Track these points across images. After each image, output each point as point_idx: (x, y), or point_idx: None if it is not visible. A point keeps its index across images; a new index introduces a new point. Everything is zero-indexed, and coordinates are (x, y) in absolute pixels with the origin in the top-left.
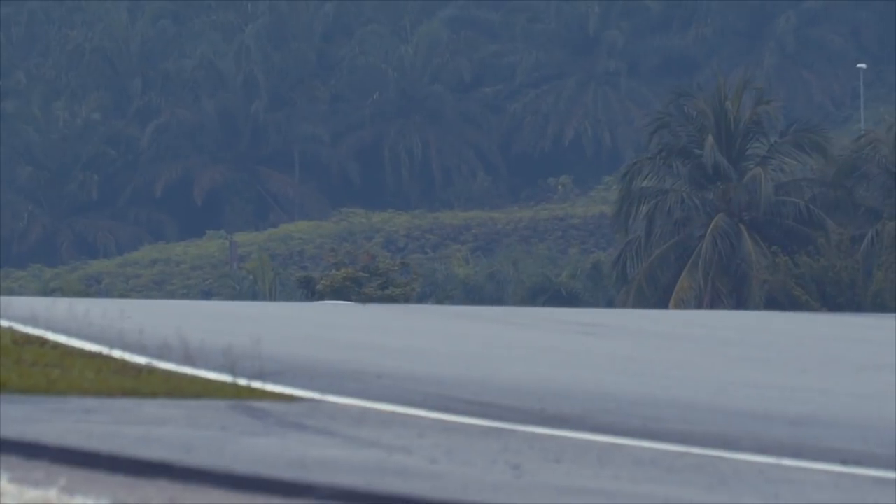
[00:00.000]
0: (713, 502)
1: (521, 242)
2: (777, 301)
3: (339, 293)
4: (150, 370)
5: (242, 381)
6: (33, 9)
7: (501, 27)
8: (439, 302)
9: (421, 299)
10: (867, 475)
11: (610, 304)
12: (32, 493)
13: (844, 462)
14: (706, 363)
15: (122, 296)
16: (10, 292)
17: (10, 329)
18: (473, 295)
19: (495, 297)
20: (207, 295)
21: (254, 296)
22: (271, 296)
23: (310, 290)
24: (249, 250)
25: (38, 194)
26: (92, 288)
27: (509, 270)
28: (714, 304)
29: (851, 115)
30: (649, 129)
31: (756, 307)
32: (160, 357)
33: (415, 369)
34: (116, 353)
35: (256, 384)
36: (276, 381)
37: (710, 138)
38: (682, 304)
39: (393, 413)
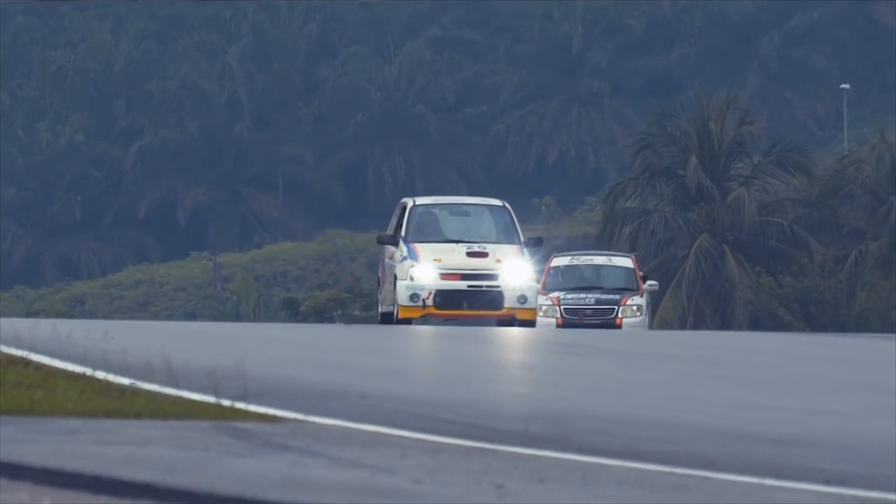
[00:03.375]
0: None
1: None
2: (761, 321)
3: (322, 314)
4: (134, 391)
5: (226, 402)
6: (16, 30)
7: (485, 48)
8: (423, 323)
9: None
10: (850, 495)
11: None
12: None
13: (828, 482)
14: (690, 383)
15: (105, 317)
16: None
17: None
18: None
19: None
20: (191, 316)
21: (237, 317)
22: (255, 317)
23: (293, 311)
24: (233, 271)
25: (21, 215)
26: (75, 309)
27: None
28: (698, 324)
29: (835, 135)
30: (633, 150)
31: (740, 327)
32: (144, 378)
33: (399, 390)
34: (100, 374)
35: (240, 405)
36: (259, 402)
37: (694, 159)
38: (666, 324)
39: (377, 433)
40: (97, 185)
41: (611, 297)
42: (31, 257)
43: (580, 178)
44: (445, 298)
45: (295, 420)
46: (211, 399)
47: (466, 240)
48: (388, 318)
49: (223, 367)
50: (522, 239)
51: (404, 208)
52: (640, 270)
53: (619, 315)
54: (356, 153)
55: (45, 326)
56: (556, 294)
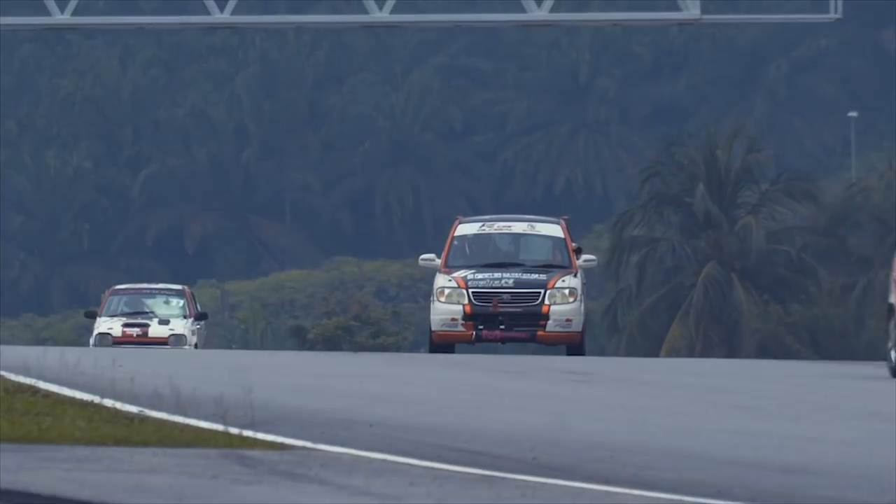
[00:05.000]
0: None
1: None
2: (769, 349)
3: (330, 342)
4: (142, 419)
5: (234, 430)
6: (24, 57)
7: (492, 75)
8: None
9: (413, 348)
10: None
11: (601, 352)
12: None
13: None
14: (697, 411)
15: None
16: (2, 341)
17: (1, 378)
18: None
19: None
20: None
21: (245, 345)
22: (263, 345)
23: (301, 339)
24: (241, 299)
25: (29, 243)
26: (83, 337)
27: None
28: (706, 352)
29: (842, 163)
30: (640, 178)
31: (748, 355)
32: (152, 406)
33: (406, 418)
34: (108, 402)
35: (248, 433)
36: (267, 430)
37: (701, 186)
38: (674, 353)
39: (384, 461)
40: (105, 213)
41: (534, 276)
42: (39, 285)
43: (588, 206)
44: None
45: (303, 448)
46: (219, 427)
47: None
48: None
49: (231, 395)
50: None
51: None
52: (573, 241)
53: (546, 301)
54: (363, 181)
55: (53, 354)
56: (461, 273)
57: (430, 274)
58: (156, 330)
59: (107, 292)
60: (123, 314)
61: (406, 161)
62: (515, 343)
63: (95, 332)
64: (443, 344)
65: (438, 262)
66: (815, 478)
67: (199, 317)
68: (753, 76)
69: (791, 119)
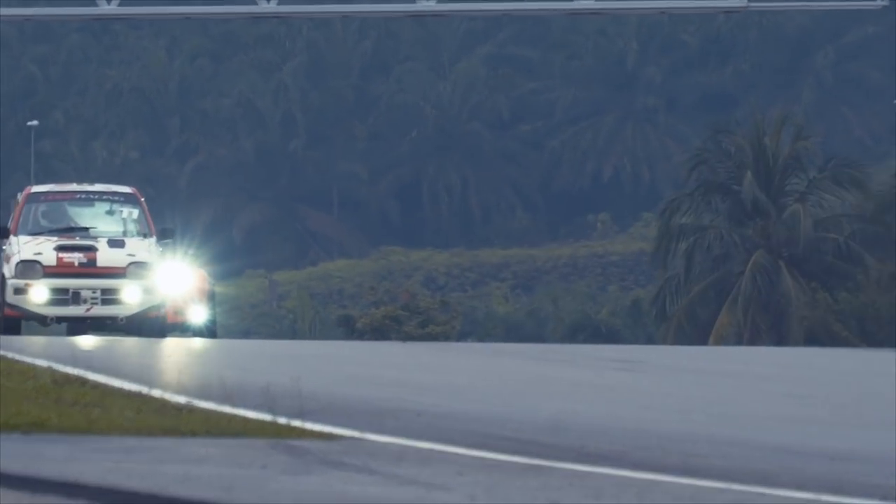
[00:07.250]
0: None
1: (560, 280)
2: (817, 337)
3: (378, 331)
4: (190, 409)
5: (282, 420)
6: (71, 48)
7: (539, 64)
8: (479, 339)
9: (461, 337)
10: None
11: (650, 340)
12: None
13: (885, 498)
14: (745, 399)
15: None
16: (50, 332)
17: (49, 369)
18: (513, 332)
19: (535, 335)
20: (247, 334)
21: (294, 334)
22: (311, 334)
23: (349, 329)
24: (289, 289)
25: None
26: None
27: (549, 308)
28: (754, 340)
29: (890, 150)
30: (688, 166)
31: (796, 343)
32: (200, 396)
33: (454, 407)
34: (156, 393)
35: (296, 423)
36: (315, 420)
37: (749, 174)
38: (722, 341)
39: (432, 450)
40: (152, 203)
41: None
42: None
43: (635, 195)
44: None
45: (351, 437)
46: (267, 417)
47: None
48: None
49: (279, 385)
50: None
51: None
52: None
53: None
54: (411, 170)
55: (101, 345)
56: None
57: (479, 263)
58: (107, 256)
59: (21, 195)
60: (53, 231)
61: (453, 150)
62: None
63: (15, 258)
64: None
65: None
66: (862, 465)
67: (164, 234)
68: (800, 64)
69: (838, 106)
